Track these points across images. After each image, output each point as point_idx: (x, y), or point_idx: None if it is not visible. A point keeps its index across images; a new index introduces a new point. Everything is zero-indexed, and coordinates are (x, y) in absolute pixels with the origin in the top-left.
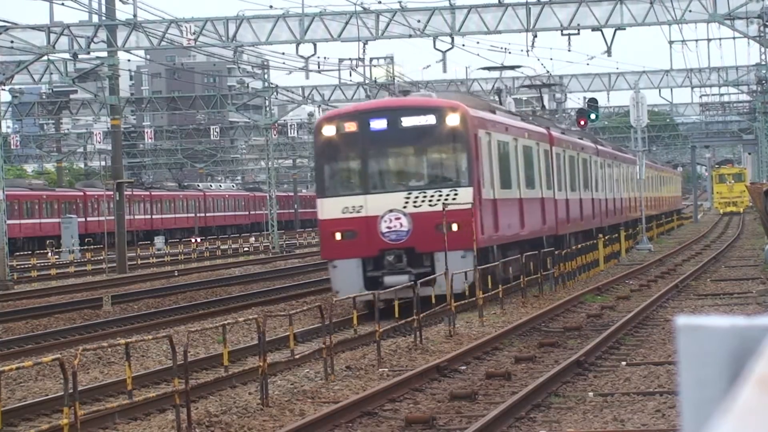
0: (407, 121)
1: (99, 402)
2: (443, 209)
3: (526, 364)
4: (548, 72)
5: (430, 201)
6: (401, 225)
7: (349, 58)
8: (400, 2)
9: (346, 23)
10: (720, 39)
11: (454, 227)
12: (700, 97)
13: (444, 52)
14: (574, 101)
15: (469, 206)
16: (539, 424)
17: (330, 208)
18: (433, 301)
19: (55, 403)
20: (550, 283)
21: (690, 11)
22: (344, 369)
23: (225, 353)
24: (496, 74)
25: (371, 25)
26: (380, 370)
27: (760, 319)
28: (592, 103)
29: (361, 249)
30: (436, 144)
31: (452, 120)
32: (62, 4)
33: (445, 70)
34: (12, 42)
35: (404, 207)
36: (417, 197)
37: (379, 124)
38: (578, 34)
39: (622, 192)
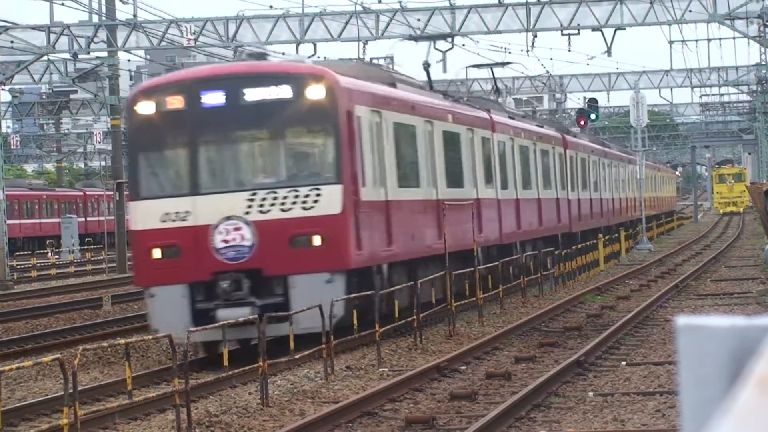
0: (252, 94)
1: (99, 402)
2: (443, 205)
3: (526, 364)
4: (548, 72)
5: (282, 204)
6: (242, 238)
7: (350, 58)
8: (400, 2)
9: (346, 23)
10: (720, 39)
11: (316, 240)
12: (700, 97)
13: (444, 52)
14: (574, 101)
15: (338, 211)
16: (539, 424)
17: (145, 215)
18: (292, 345)
19: (55, 403)
20: (550, 283)
21: (690, 11)
22: (344, 369)
23: (225, 353)
24: (496, 73)
25: (371, 25)
26: (380, 370)
27: (760, 319)
28: (592, 103)
29: (187, 271)
30: (293, 125)
31: (314, 92)
32: (62, 4)
33: (445, 70)
34: (12, 42)
35: (247, 213)
36: (265, 199)
37: (213, 98)
38: (578, 34)
39: (605, 192)
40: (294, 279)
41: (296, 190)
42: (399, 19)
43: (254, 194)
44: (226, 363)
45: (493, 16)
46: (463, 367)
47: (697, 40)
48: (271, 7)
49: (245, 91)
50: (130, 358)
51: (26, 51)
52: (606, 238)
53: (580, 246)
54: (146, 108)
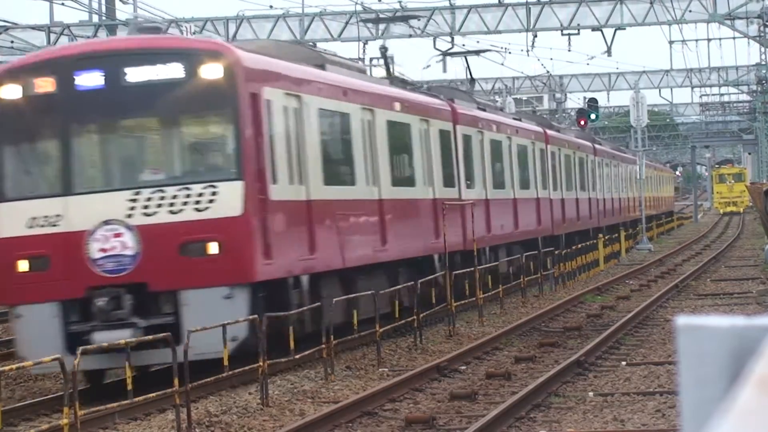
0: (136, 74)
1: (99, 402)
2: (443, 206)
3: (526, 364)
4: (548, 72)
5: (171, 205)
6: (124, 246)
7: (349, 58)
8: (400, 2)
9: (346, 23)
10: (720, 39)
11: (212, 248)
12: (700, 97)
13: (444, 52)
14: (574, 101)
15: (239, 212)
16: (539, 424)
17: (9, 220)
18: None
19: (55, 403)
20: (550, 283)
21: (690, 11)
22: (344, 369)
23: (225, 353)
24: (496, 73)
25: (371, 25)
26: (380, 370)
27: (760, 319)
28: (592, 103)
29: (58, 287)
30: (184, 110)
31: (209, 71)
32: (62, 4)
33: (445, 70)
34: (12, 42)
35: (129, 216)
36: (150, 199)
37: (90, 79)
38: (578, 34)
39: (593, 192)
40: (186, 295)
41: (188, 188)
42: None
43: (138, 193)
44: (226, 363)
45: (493, 16)
46: (463, 367)
47: (697, 40)
48: (271, 7)
49: (128, 70)
50: (130, 358)
51: (26, 51)
52: (606, 238)
53: (579, 246)
54: (10, 92)
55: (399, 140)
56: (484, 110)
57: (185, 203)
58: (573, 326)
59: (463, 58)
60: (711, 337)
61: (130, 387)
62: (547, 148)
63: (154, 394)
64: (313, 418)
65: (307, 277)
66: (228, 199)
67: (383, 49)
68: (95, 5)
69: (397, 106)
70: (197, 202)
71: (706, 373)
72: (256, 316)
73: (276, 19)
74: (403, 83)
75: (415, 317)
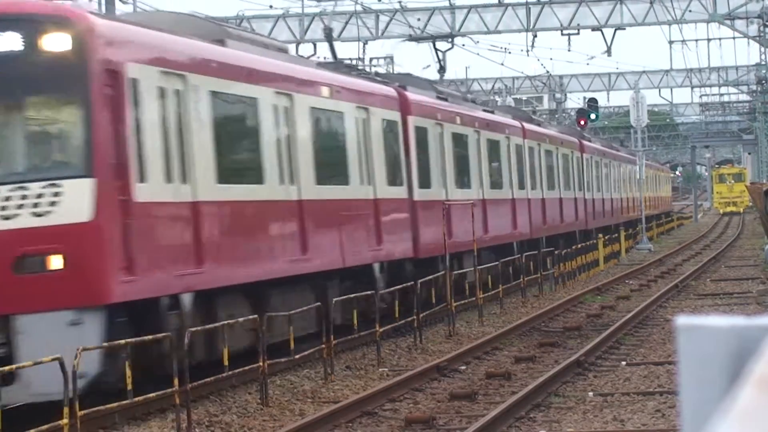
0: None
1: (99, 402)
2: (444, 206)
3: (526, 364)
4: (548, 72)
5: (3, 209)
6: None
7: (349, 58)
8: (400, 2)
9: (346, 23)
10: (720, 39)
11: (54, 262)
12: (700, 97)
13: (444, 52)
14: (574, 101)
15: (88, 217)
16: (539, 424)
17: None
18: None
19: (55, 403)
20: (550, 283)
21: (690, 11)
22: (344, 369)
23: (225, 353)
24: (496, 73)
25: (371, 25)
26: (380, 370)
27: (760, 319)
28: (592, 103)
29: None
30: (22, 91)
31: (55, 42)
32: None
33: (444, 70)
34: None
35: None
36: None
37: None
38: (578, 34)
39: (579, 191)
40: (21, 321)
41: (24, 188)
42: (399, 18)
43: None
44: (226, 363)
45: (493, 15)
46: (463, 367)
47: (697, 40)
48: (271, 6)
49: None
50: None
51: None
52: (606, 238)
53: (579, 246)
54: None
55: (327, 131)
56: (446, 100)
57: (20, 206)
58: (573, 326)
59: (431, 45)
60: (711, 337)
61: (130, 387)
62: (524, 143)
63: (154, 395)
64: (313, 418)
65: (191, 295)
66: (74, 201)
67: (327, 30)
68: (95, 5)
69: (325, 91)
70: (35, 205)
71: (705, 373)
72: (112, 345)
73: (276, 19)
74: (349, 69)
75: (415, 317)
